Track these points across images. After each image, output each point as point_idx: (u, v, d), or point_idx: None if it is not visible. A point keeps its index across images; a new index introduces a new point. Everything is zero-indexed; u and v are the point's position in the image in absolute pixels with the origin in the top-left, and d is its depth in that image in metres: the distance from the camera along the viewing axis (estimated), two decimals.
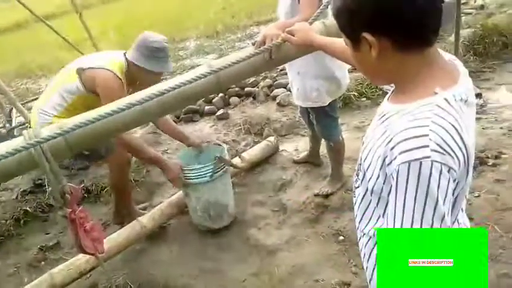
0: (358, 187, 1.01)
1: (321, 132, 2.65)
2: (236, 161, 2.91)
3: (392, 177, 0.78)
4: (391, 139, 0.78)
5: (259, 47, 1.56)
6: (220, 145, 2.74)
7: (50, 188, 3.24)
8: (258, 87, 4.34)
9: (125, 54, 2.38)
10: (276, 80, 4.40)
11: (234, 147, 3.45)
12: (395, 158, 0.77)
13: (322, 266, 2.24)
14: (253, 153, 3.19)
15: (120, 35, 8.65)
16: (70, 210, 1.42)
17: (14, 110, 3.79)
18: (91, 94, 2.28)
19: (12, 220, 3.06)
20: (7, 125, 3.82)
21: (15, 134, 3.32)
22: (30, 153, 1.26)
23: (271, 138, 3.35)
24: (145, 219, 2.61)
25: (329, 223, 2.52)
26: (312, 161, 3.06)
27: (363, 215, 1.01)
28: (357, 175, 1.01)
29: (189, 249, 2.56)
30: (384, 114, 0.89)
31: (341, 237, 2.40)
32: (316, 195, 2.72)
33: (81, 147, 1.43)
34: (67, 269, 2.31)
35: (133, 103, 1.35)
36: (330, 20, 1.73)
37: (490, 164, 2.66)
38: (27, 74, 8.34)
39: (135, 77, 2.37)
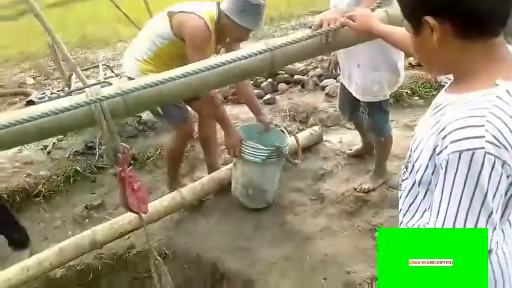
0: (405, 179, 0.98)
1: (372, 126, 2.58)
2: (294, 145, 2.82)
3: (441, 167, 0.75)
4: (444, 128, 0.75)
5: (316, 30, 1.54)
6: (284, 132, 2.68)
7: (99, 151, 3.42)
8: (307, 76, 4.30)
9: (218, 5, 2.34)
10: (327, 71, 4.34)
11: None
12: (446, 147, 0.74)
13: (355, 259, 2.22)
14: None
15: None
16: (120, 168, 1.48)
17: (74, 76, 3.98)
18: (179, 40, 2.28)
19: (63, 177, 3.25)
20: (66, 88, 4.03)
21: None
22: (90, 109, 1.32)
23: (316, 128, 3.32)
24: (186, 191, 2.69)
25: (367, 218, 2.48)
26: (366, 152, 2.98)
27: (409, 208, 0.97)
28: (406, 167, 0.98)
29: (225, 225, 2.61)
30: (439, 105, 0.85)
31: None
32: (356, 190, 2.67)
33: (139, 109, 1.49)
34: (109, 227, 2.43)
35: (190, 72, 1.38)
36: (394, 8, 1.68)
37: None
38: (86, 45, 8.72)
39: (224, 31, 2.34)
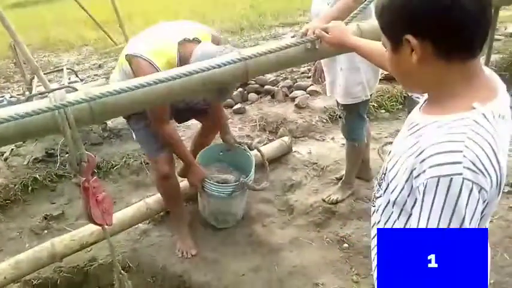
0: (379, 197, 0.97)
1: (348, 132, 2.59)
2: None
3: (419, 191, 0.75)
4: (422, 151, 0.75)
5: (301, 38, 1.55)
6: (248, 153, 2.61)
7: (61, 158, 3.27)
8: (277, 86, 4.33)
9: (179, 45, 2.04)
10: (296, 82, 4.38)
11: (249, 141, 3.44)
12: (424, 171, 0.74)
13: (323, 271, 2.22)
14: (266, 150, 3.17)
15: (145, 20, 8.70)
16: (84, 178, 1.41)
17: (36, 79, 3.82)
18: None
19: (21, 186, 3.08)
20: (27, 92, 3.86)
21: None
22: (54, 115, 1.25)
23: (286, 138, 3.33)
24: (152, 201, 2.61)
25: (335, 229, 2.49)
26: (360, 176, 2.83)
27: (384, 226, 0.97)
28: (379, 185, 0.97)
29: (191, 237, 2.55)
30: (416, 125, 0.85)
31: (345, 245, 2.38)
32: (324, 201, 2.69)
33: (105, 116, 1.43)
34: (69, 239, 2.32)
35: (160, 79, 1.34)
36: (368, 23, 1.71)
37: (505, 191, 2.62)
38: (49, 48, 8.43)
39: None
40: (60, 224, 2.83)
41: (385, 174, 0.91)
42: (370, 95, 2.50)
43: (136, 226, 2.62)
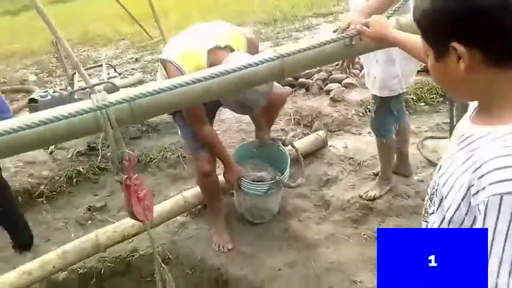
0: (432, 213, 0.90)
1: (377, 127, 2.55)
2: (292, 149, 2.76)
3: (479, 210, 0.69)
4: (479, 166, 0.70)
5: (342, 33, 1.52)
6: (283, 151, 2.62)
7: (102, 152, 3.39)
8: (312, 79, 4.28)
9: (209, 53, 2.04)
10: (331, 74, 4.31)
11: (281, 136, 3.43)
12: (483, 189, 0.68)
13: (361, 268, 2.20)
14: (300, 145, 3.15)
15: (180, 14, 8.80)
16: (126, 176, 1.45)
17: (77, 74, 3.95)
18: None
19: (65, 178, 3.23)
20: (69, 87, 4.01)
21: (75, 97, 3.46)
22: (96, 116, 1.30)
23: (321, 132, 3.30)
24: (190, 195, 2.67)
25: (373, 226, 2.46)
26: (399, 172, 2.79)
27: None
28: (430, 199, 0.91)
29: (229, 231, 2.58)
30: (467, 137, 0.79)
31: None
32: (361, 197, 2.65)
33: (145, 116, 1.46)
34: (112, 231, 2.41)
35: (198, 78, 1.36)
36: (407, 16, 1.65)
37: None
38: (88, 42, 8.69)
39: None
40: (103, 215, 2.94)
41: (436, 190, 0.86)
42: (406, 89, 2.43)
43: (174, 219, 2.68)
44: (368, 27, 1.44)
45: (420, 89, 3.75)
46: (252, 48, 2.19)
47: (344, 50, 1.53)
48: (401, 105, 2.60)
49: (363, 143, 3.23)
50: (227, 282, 2.36)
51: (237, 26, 2.34)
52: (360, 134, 3.39)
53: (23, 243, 2.66)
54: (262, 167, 2.62)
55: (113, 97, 1.35)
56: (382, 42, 1.45)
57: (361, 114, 3.61)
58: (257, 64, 1.43)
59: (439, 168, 0.86)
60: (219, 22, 2.28)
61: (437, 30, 0.75)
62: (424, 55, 0.87)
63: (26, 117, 1.29)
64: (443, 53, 0.75)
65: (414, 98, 3.68)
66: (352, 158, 3.07)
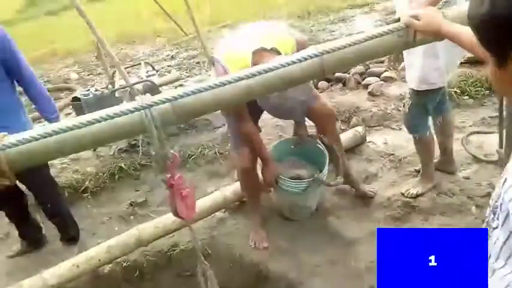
0: (496, 227, 0.86)
1: (411, 124, 2.48)
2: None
3: None
4: None
5: (390, 26, 1.46)
6: (322, 149, 2.54)
7: (143, 149, 3.49)
8: (349, 73, 4.20)
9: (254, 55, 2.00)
10: (369, 68, 4.22)
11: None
12: None
13: None
14: None
15: (213, 9, 8.85)
16: (169, 175, 1.48)
17: (117, 73, 4.06)
18: None
19: (108, 174, 3.34)
20: (109, 86, 4.12)
21: (116, 95, 3.56)
22: (142, 117, 1.32)
23: (359, 128, 3.24)
24: (228, 191, 2.70)
25: (415, 224, 2.38)
26: (443, 168, 2.70)
27: (506, 261, 0.80)
28: (494, 213, 0.84)
29: (267, 227, 2.59)
30: None
31: None
32: (403, 195, 2.58)
33: (188, 116, 1.48)
34: (153, 226, 2.48)
35: (240, 77, 1.36)
36: (454, 9, 1.59)
37: None
38: (125, 40, 8.91)
39: None
40: (144, 210, 3.03)
41: (501, 204, 0.79)
42: (446, 83, 2.34)
43: (213, 215, 2.72)
44: (418, 20, 1.38)
45: (464, 82, 3.60)
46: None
47: (390, 44, 1.48)
48: (445, 99, 2.51)
49: (404, 139, 3.14)
50: (267, 278, 2.37)
51: (289, 28, 2.31)
52: (400, 129, 3.30)
53: (71, 237, 2.78)
54: (300, 164, 2.60)
55: (156, 97, 1.38)
56: (434, 35, 1.38)
57: (401, 109, 3.51)
58: (296, 62, 1.41)
59: (504, 181, 0.79)
60: (270, 22, 2.29)
61: (497, 39, 0.69)
62: (482, 54, 0.82)
63: (73, 120, 1.34)
64: (505, 60, 0.70)
65: (458, 91, 3.53)
66: (393, 154, 3.00)
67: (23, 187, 2.66)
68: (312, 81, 4.16)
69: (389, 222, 2.46)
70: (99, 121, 1.26)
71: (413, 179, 2.68)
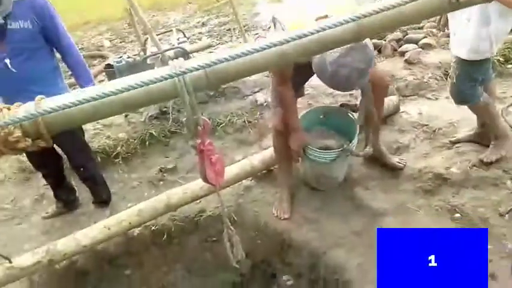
0: None
1: (457, 94, 2.35)
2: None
3: None
4: None
5: None
6: (351, 115, 2.51)
7: (173, 116, 3.52)
8: (385, 40, 4.03)
9: None
10: (407, 34, 4.02)
11: (350, 101, 3.31)
12: None
13: None
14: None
15: None
16: (200, 141, 1.48)
17: (149, 40, 4.07)
18: None
19: (139, 140, 3.41)
20: (141, 53, 4.14)
21: (148, 62, 3.58)
22: (174, 83, 1.31)
23: (394, 97, 3.12)
24: (256, 160, 2.69)
25: (446, 197, 2.32)
26: (480, 141, 2.59)
27: None
28: None
29: (294, 197, 2.59)
30: None
31: (457, 215, 2.20)
32: (482, 162, 2.43)
33: (220, 81, 1.46)
34: (182, 192, 2.52)
35: (274, 43, 1.31)
36: None
37: None
38: (157, 7, 8.88)
39: None
40: (173, 176, 3.08)
41: None
42: (496, 53, 2.19)
43: (240, 182, 2.74)
44: None
45: (508, 50, 3.38)
46: None
47: (431, 7, 1.37)
48: (488, 70, 2.36)
49: (440, 109, 3.01)
50: (290, 247, 2.39)
51: None
52: (436, 99, 3.17)
53: (103, 200, 2.88)
54: (328, 134, 2.55)
55: (190, 64, 1.36)
56: None
57: (439, 78, 3.36)
58: (332, 27, 1.34)
59: None
60: None
61: None
62: None
63: (107, 85, 1.34)
64: None
65: (501, 59, 3.33)
66: (427, 125, 2.89)
67: (59, 151, 2.76)
68: None
69: (419, 194, 2.40)
70: (134, 87, 1.26)
71: (447, 151, 2.58)
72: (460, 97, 2.36)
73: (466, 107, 2.42)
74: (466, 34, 2.10)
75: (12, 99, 1.17)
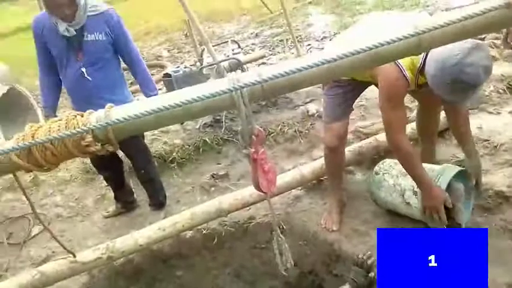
0: None
1: None
2: None
3: None
4: None
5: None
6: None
7: (226, 124, 3.63)
8: None
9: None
10: None
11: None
12: None
13: (491, 262, 1.99)
14: None
15: None
16: (254, 150, 1.53)
17: (206, 51, 4.23)
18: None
19: (194, 147, 3.55)
20: (198, 63, 4.31)
21: (204, 72, 3.72)
22: (232, 96, 1.38)
23: None
24: (306, 170, 2.71)
25: (507, 216, 2.20)
26: None
27: None
28: None
29: (347, 206, 2.58)
30: None
31: None
32: None
33: (274, 94, 1.51)
34: (233, 198, 2.60)
35: (327, 59, 1.34)
36: None
37: None
38: (212, 18, 9.17)
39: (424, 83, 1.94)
40: (225, 182, 3.17)
41: None
42: None
43: (289, 192, 2.77)
44: None
45: None
46: None
47: (493, 22, 1.34)
48: None
49: (502, 124, 2.87)
50: (339, 257, 2.38)
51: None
52: (498, 113, 3.02)
53: (159, 202, 3.02)
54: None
55: (247, 78, 1.42)
56: None
57: (501, 91, 3.19)
58: (391, 43, 1.35)
59: None
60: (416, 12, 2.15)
61: None
62: None
63: (170, 97, 1.44)
64: None
65: None
66: (488, 140, 2.76)
67: (120, 154, 2.94)
68: None
69: (477, 212, 2.29)
70: (196, 101, 1.34)
71: (509, 168, 2.45)
72: None
73: None
74: None
75: (84, 107, 1.29)
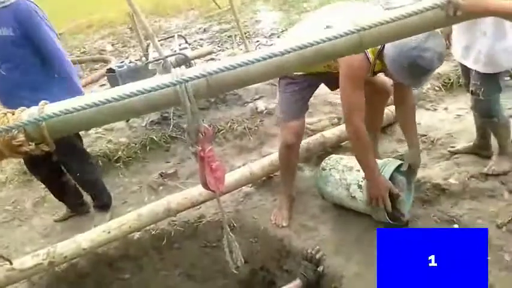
0: None
1: (485, 108, 2.31)
2: None
3: None
4: None
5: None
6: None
7: (174, 121, 3.55)
8: None
9: None
10: None
11: None
12: None
13: None
14: None
15: None
16: (200, 148, 1.50)
17: (151, 45, 4.10)
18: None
19: (140, 145, 3.44)
20: (143, 58, 4.18)
21: (149, 68, 3.61)
22: (176, 90, 1.34)
23: (392, 107, 3.15)
24: (256, 167, 2.72)
25: (445, 208, 2.34)
26: (479, 152, 2.61)
27: None
28: None
29: (295, 202, 2.60)
30: None
31: (455, 225, 2.22)
32: (485, 174, 2.44)
33: (221, 90, 1.48)
34: (182, 197, 2.55)
35: (274, 53, 1.34)
36: None
37: None
38: (159, 13, 8.92)
39: (381, 66, 2.03)
40: (174, 181, 3.11)
41: None
42: None
43: (239, 189, 2.76)
44: None
45: None
46: None
47: (432, 21, 1.40)
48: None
49: (438, 120, 3.05)
50: (289, 253, 2.41)
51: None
52: (435, 109, 3.20)
53: (103, 204, 2.89)
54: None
55: (191, 72, 1.38)
56: (481, 14, 1.29)
57: (437, 88, 3.39)
58: (332, 39, 1.37)
59: None
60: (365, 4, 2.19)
61: None
62: None
63: (110, 92, 1.37)
64: None
65: None
66: (425, 135, 2.92)
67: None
68: None
69: (416, 204, 2.41)
70: (136, 94, 1.28)
71: (445, 161, 2.61)
72: (490, 111, 2.32)
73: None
74: (482, 47, 2.13)
75: (6, 103, 1.20)
